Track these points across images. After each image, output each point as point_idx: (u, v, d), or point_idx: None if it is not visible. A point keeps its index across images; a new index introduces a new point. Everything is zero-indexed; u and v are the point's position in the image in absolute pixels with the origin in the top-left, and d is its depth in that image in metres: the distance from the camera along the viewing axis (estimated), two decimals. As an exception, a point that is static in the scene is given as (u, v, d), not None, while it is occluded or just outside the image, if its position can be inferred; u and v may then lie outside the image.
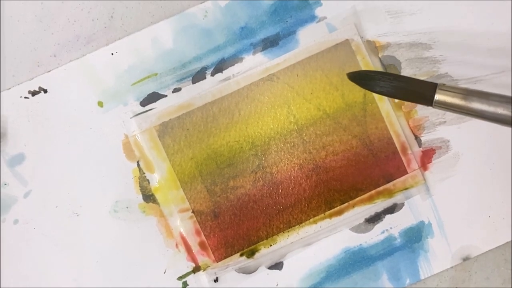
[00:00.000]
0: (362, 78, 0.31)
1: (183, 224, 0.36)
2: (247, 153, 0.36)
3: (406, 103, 0.36)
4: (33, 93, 0.36)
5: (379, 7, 0.36)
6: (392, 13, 0.36)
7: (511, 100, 0.28)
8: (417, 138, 0.37)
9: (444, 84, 0.29)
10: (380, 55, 0.36)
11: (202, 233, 0.36)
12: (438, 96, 0.29)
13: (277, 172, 0.36)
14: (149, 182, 0.36)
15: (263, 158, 0.36)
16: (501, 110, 0.28)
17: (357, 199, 0.36)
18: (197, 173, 0.36)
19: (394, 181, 0.36)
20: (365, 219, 0.37)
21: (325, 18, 0.36)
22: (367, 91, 0.36)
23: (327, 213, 0.36)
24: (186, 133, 0.36)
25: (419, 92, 0.30)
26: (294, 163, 0.36)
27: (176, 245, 0.36)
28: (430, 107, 0.36)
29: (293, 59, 0.36)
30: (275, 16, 0.36)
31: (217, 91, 0.36)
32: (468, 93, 0.29)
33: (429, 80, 0.36)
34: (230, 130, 0.36)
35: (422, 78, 0.36)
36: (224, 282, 0.36)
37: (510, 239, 0.37)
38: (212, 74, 0.36)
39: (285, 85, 0.36)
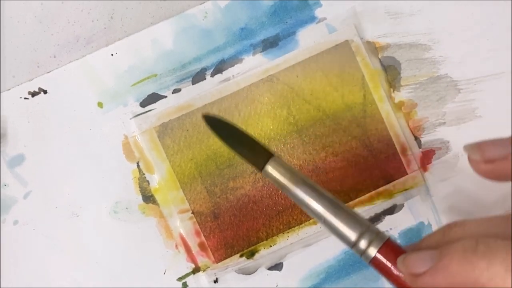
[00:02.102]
0: (217, 125, 0.30)
1: (183, 225, 0.36)
2: (247, 154, 0.36)
3: (406, 104, 0.36)
4: (33, 94, 0.36)
5: (379, 7, 0.36)
6: (391, 13, 0.36)
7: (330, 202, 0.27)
8: (417, 139, 0.37)
9: (279, 159, 0.28)
10: (380, 56, 0.36)
11: (202, 234, 0.36)
12: (269, 168, 0.28)
13: (276, 173, 0.36)
14: (149, 183, 0.36)
15: (263, 159, 0.36)
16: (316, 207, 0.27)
17: (357, 200, 0.36)
18: (197, 174, 0.36)
19: (394, 182, 0.36)
20: (365, 220, 0.37)
21: (324, 19, 0.36)
22: (366, 92, 0.36)
23: (327, 214, 0.36)
24: (186, 134, 0.36)
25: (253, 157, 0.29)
26: (294, 164, 0.36)
27: (176, 246, 0.36)
28: (430, 108, 0.36)
29: (293, 60, 0.36)
30: (275, 17, 0.36)
31: (217, 92, 0.36)
32: (297, 181, 0.28)
33: (430, 80, 0.36)
34: (230, 131, 0.36)
35: (422, 79, 0.36)
36: (224, 283, 0.36)
37: (510, 240, 0.37)
38: (212, 75, 0.36)
39: (284, 86, 0.36)
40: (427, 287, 0.24)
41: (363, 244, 0.26)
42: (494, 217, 0.24)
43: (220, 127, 0.30)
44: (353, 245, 0.26)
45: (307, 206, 0.27)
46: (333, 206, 0.27)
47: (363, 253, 0.26)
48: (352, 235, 0.26)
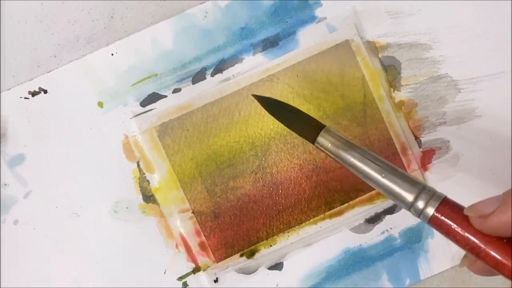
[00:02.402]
0: (268, 103, 0.32)
1: (183, 225, 0.36)
2: (247, 153, 0.36)
3: (406, 103, 0.36)
4: (33, 94, 0.36)
5: (379, 7, 0.36)
6: (392, 13, 0.36)
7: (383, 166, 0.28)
8: (417, 138, 0.37)
9: (330, 130, 0.29)
10: (380, 56, 0.36)
11: (202, 234, 0.36)
12: (321, 139, 0.29)
13: (277, 173, 0.36)
14: (149, 183, 0.36)
15: (263, 159, 0.36)
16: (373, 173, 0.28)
17: (357, 199, 0.36)
18: (197, 173, 0.36)
19: (394, 182, 0.36)
20: (365, 219, 0.37)
21: (325, 18, 0.36)
22: (367, 91, 0.36)
23: (327, 213, 0.36)
24: (186, 133, 0.36)
25: (306, 130, 0.30)
26: (294, 164, 0.36)
27: (176, 245, 0.36)
28: (430, 108, 0.36)
29: (293, 60, 0.36)
30: (275, 16, 0.36)
31: (217, 91, 0.36)
32: (350, 147, 0.29)
33: (430, 80, 0.36)
34: (230, 130, 0.36)
35: (422, 79, 0.36)
36: (224, 283, 0.36)
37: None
38: (212, 75, 0.36)
39: (285, 85, 0.36)
40: (498, 225, 0.24)
41: (420, 204, 0.26)
42: None
43: (272, 105, 0.31)
44: (411, 206, 0.27)
45: (362, 171, 0.28)
46: (388, 169, 0.28)
47: (421, 213, 0.26)
48: (409, 196, 0.27)
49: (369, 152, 0.28)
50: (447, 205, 0.26)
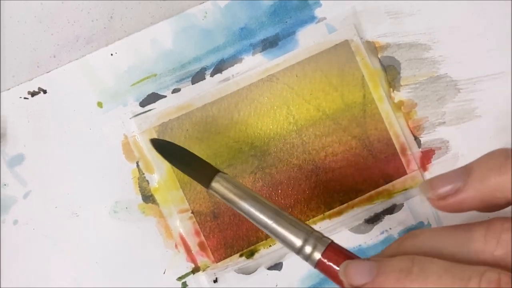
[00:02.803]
0: (161, 147, 0.32)
1: (183, 225, 0.36)
2: (246, 153, 0.36)
3: (406, 103, 0.36)
4: (33, 94, 0.36)
5: (378, 7, 0.36)
6: (391, 13, 0.36)
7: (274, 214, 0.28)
8: (416, 138, 0.37)
9: (224, 176, 0.29)
10: (379, 56, 0.36)
11: (202, 234, 0.36)
12: (214, 184, 0.29)
13: (276, 173, 0.36)
14: (148, 183, 0.36)
15: (263, 159, 0.36)
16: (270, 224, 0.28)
17: (357, 199, 0.36)
18: (196, 173, 0.36)
19: (394, 182, 0.36)
20: (365, 219, 0.37)
21: (324, 18, 0.36)
22: (366, 91, 0.36)
23: (327, 213, 0.36)
24: (186, 133, 0.36)
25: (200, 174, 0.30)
26: (293, 164, 0.36)
27: (176, 245, 0.36)
28: (429, 108, 0.36)
29: (293, 60, 0.36)
30: (275, 16, 0.36)
31: (217, 91, 0.36)
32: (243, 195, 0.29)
33: (430, 80, 0.36)
34: (229, 131, 0.36)
35: (421, 79, 0.36)
36: (223, 283, 0.36)
37: (509, 240, 0.37)
38: (212, 75, 0.36)
39: (284, 85, 0.36)
40: None
41: (308, 249, 0.27)
42: (447, 227, 0.24)
43: (168, 149, 0.31)
44: (299, 251, 0.27)
45: (253, 217, 0.28)
46: (277, 215, 0.28)
47: (309, 257, 0.27)
48: (297, 241, 0.27)
49: (260, 199, 0.28)
50: (332, 250, 0.26)
